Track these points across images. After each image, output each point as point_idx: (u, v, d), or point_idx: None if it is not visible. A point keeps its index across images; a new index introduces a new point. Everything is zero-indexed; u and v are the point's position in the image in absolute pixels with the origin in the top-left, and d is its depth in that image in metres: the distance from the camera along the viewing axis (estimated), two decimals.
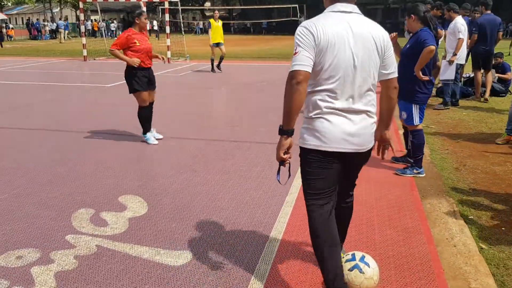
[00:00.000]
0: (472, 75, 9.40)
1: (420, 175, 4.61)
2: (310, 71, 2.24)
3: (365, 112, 2.37)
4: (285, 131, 2.31)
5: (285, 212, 3.72)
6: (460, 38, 7.79)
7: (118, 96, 9.81)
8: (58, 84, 11.74)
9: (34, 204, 3.91)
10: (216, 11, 13.55)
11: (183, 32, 19.31)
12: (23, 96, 9.80)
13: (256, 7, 40.19)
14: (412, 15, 4.46)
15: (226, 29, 54.54)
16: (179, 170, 4.80)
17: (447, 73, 7.91)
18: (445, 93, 8.20)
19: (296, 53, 2.25)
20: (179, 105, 8.80)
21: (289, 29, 44.55)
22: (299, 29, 2.29)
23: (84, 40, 17.84)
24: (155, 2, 20.42)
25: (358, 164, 2.55)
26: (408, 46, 4.54)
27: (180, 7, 17.52)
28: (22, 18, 63.95)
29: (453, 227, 3.50)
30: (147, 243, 3.23)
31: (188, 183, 4.42)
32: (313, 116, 2.34)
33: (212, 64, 13.67)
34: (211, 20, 13.33)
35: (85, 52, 17.65)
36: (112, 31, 40.56)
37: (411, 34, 4.67)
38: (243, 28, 54.32)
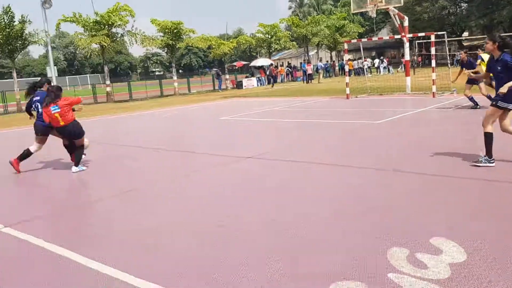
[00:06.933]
0: None
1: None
2: None
3: None
4: None
5: None
6: None
7: (390, 132, 9.83)
8: (326, 122, 12.55)
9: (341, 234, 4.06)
10: None
11: (449, 65, 18.36)
12: (301, 132, 10.79)
13: None
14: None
15: None
16: None
17: None
18: None
19: None
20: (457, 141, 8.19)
21: None
22: None
23: (347, 79, 18.84)
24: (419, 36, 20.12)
25: None
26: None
27: (446, 39, 16.76)
28: (283, 62, 71.99)
29: None
30: None
31: None
32: None
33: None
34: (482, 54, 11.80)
35: (348, 90, 18.54)
36: (377, 68, 44.20)
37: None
38: None
